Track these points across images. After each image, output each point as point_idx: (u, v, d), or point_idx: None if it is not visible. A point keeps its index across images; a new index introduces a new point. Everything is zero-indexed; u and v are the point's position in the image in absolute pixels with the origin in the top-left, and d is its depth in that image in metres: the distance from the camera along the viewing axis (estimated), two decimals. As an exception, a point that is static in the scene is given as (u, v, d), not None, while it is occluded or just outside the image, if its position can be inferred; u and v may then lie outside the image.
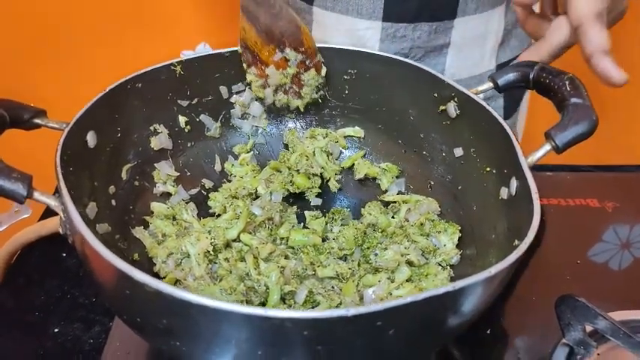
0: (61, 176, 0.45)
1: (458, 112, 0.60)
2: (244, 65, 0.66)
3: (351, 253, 0.60)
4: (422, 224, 0.61)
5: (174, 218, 0.61)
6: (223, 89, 0.67)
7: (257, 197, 0.65)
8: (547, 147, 0.51)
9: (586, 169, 0.81)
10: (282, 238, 0.61)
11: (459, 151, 0.62)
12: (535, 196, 0.47)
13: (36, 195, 0.44)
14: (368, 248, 0.59)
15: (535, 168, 0.50)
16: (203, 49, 1.08)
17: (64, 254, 0.68)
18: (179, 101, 0.65)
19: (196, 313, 0.37)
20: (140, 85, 0.60)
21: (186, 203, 0.63)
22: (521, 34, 0.80)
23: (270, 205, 0.62)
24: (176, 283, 0.55)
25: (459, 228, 0.59)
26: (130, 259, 0.56)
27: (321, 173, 0.67)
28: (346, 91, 0.69)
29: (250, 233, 0.59)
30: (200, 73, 0.65)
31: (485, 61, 0.78)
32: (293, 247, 0.60)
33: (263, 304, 0.54)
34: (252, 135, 0.71)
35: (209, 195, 0.66)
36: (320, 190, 0.67)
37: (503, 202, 0.54)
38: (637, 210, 0.74)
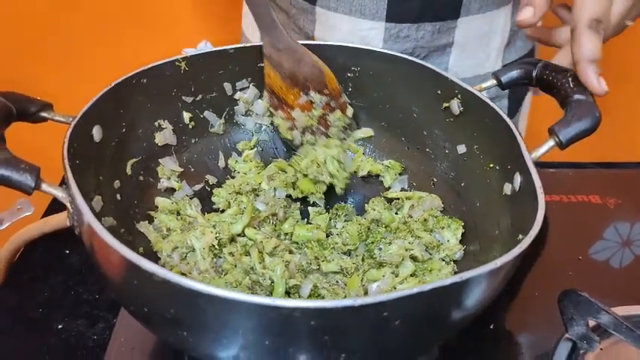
0: (68, 168, 0.46)
1: (461, 109, 0.61)
2: (271, 109, 0.67)
3: (355, 248, 0.60)
4: (425, 220, 0.61)
5: (178, 213, 0.61)
6: (227, 86, 0.68)
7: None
8: (551, 143, 0.52)
9: (588, 165, 0.81)
10: (286, 234, 0.61)
11: (462, 148, 0.62)
12: (540, 190, 0.47)
13: (44, 186, 0.44)
14: (372, 243, 0.59)
15: (537, 165, 0.51)
16: (204, 47, 1.09)
17: (68, 251, 0.68)
18: (183, 97, 0.65)
19: (204, 302, 0.37)
20: (145, 80, 0.60)
21: (190, 199, 0.63)
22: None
23: (274, 201, 0.62)
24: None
25: (462, 224, 0.60)
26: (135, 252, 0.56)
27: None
28: (349, 89, 0.69)
29: (255, 228, 0.60)
30: (204, 69, 0.65)
31: (490, 61, 0.78)
32: (297, 243, 0.60)
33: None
34: (256, 132, 0.71)
35: (213, 191, 0.66)
36: (323, 196, 0.67)
37: (507, 198, 0.55)
38: (638, 207, 0.75)
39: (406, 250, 0.57)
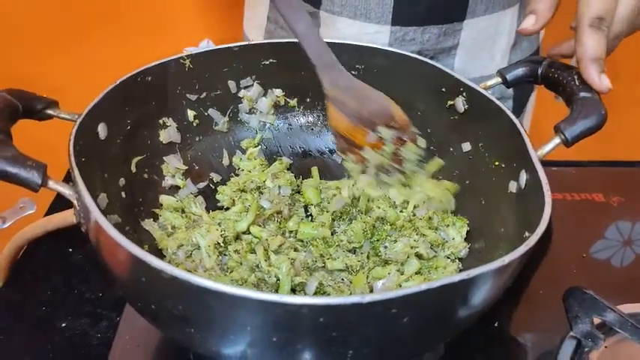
0: (75, 165, 0.46)
1: (466, 106, 0.61)
2: (339, 153, 0.63)
3: (360, 246, 0.60)
4: (430, 218, 0.61)
5: (183, 211, 0.61)
6: (232, 84, 0.68)
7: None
8: (556, 140, 0.52)
9: (591, 164, 0.81)
10: (290, 231, 0.61)
11: (466, 146, 0.62)
12: (546, 188, 0.47)
13: (50, 183, 0.44)
14: (377, 241, 0.59)
15: (541, 163, 0.51)
16: (206, 45, 1.09)
17: (71, 249, 0.68)
18: (188, 95, 0.65)
19: (212, 299, 0.37)
20: (150, 78, 0.60)
21: (195, 196, 0.63)
22: (534, 35, 0.80)
23: (278, 199, 0.62)
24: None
25: (467, 222, 0.60)
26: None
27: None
28: (354, 87, 0.69)
29: (260, 226, 0.60)
30: (209, 67, 0.65)
31: (495, 62, 0.78)
32: (302, 240, 0.60)
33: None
34: (260, 130, 0.71)
35: (217, 188, 0.66)
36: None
37: (512, 196, 0.55)
38: (642, 205, 0.75)
39: (411, 247, 0.57)
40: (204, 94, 0.66)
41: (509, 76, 0.59)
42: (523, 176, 0.53)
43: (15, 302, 0.61)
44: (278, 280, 0.54)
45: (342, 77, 0.60)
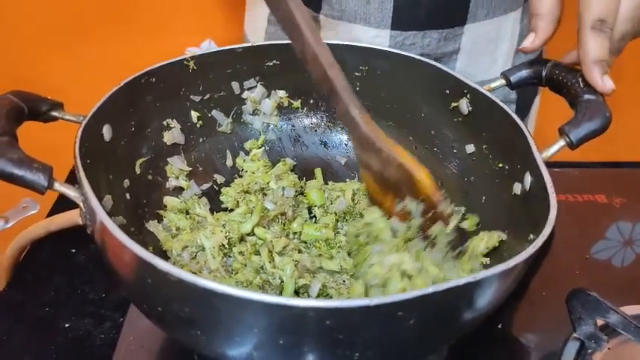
0: (81, 167, 0.46)
1: (470, 108, 0.61)
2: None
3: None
4: None
5: (187, 212, 0.62)
6: (235, 85, 0.68)
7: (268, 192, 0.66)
8: (561, 143, 0.52)
9: (594, 165, 0.82)
10: (294, 233, 0.61)
11: (470, 148, 0.62)
12: (551, 190, 0.47)
13: (56, 186, 0.44)
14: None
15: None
16: (208, 46, 1.09)
17: (74, 250, 0.68)
18: (192, 96, 0.65)
19: (219, 302, 0.38)
20: (154, 79, 0.60)
21: (199, 198, 0.64)
22: None
23: (282, 200, 0.62)
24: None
25: (477, 221, 0.59)
26: (146, 251, 0.57)
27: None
28: (357, 88, 0.69)
29: (264, 227, 0.60)
30: (213, 68, 0.65)
31: (497, 66, 0.78)
32: (306, 242, 0.60)
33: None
34: (264, 131, 0.71)
35: (221, 190, 0.66)
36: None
37: (516, 198, 0.55)
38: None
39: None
40: (207, 96, 0.66)
41: (514, 78, 0.59)
42: (528, 178, 0.53)
43: (18, 303, 0.61)
44: (282, 282, 0.54)
45: (367, 136, 0.54)
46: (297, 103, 0.71)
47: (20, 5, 1.12)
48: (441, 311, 0.41)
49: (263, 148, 0.70)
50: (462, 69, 0.76)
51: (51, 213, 0.71)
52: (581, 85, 0.54)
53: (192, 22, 1.20)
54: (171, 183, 0.64)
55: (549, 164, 0.51)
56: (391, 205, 0.56)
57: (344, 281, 0.57)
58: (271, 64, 0.67)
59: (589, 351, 0.54)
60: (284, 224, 0.61)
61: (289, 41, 0.66)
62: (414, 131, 0.68)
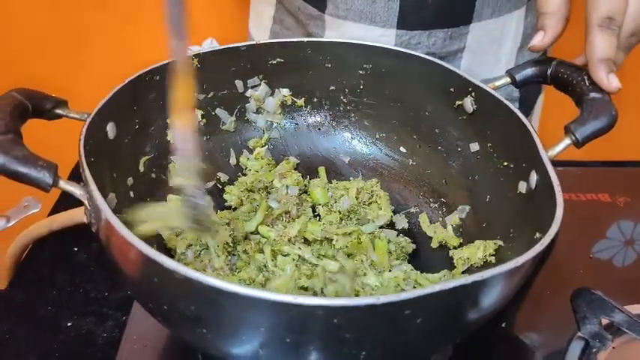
0: (86, 165, 0.45)
1: (474, 106, 0.61)
2: None
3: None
4: None
5: (190, 211, 0.61)
6: (239, 83, 0.67)
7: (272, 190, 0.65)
8: (567, 141, 0.52)
9: (597, 164, 0.81)
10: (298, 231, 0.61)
11: (475, 146, 0.62)
12: (558, 189, 0.47)
13: (61, 183, 0.44)
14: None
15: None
16: (210, 44, 1.08)
17: (76, 248, 0.67)
18: (195, 94, 0.65)
19: (225, 300, 0.37)
20: (157, 77, 0.60)
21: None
22: None
23: (286, 199, 0.62)
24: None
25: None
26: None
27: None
28: (361, 86, 0.69)
29: (268, 226, 0.59)
30: (216, 66, 0.65)
31: (501, 65, 0.77)
32: (308, 241, 0.60)
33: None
34: (267, 129, 0.71)
35: (224, 188, 0.66)
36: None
37: (522, 197, 0.55)
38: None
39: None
40: (211, 94, 0.66)
41: (518, 76, 0.59)
42: (533, 177, 0.52)
43: (20, 302, 0.61)
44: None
45: None
46: (300, 102, 0.71)
47: (24, 3, 1.12)
48: (448, 310, 0.41)
49: (267, 146, 0.70)
50: (467, 67, 0.76)
51: (53, 212, 0.71)
52: (587, 84, 0.53)
53: (195, 21, 1.19)
54: (175, 181, 0.63)
55: (552, 163, 0.51)
56: None
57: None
58: (275, 62, 0.67)
59: (594, 350, 0.54)
60: (288, 222, 0.61)
61: (293, 39, 0.66)
62: (418, 129, 0.68)
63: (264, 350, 0.41)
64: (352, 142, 0.72)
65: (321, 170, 0.69)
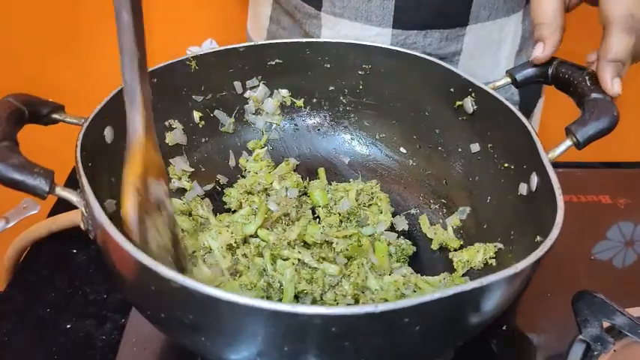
0: (82, 172, 0.45)
1: (475, 107, 0.60)
2: None
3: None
4: None
5: (190, 214, 0.61)
6: (237, 84, 0.67)
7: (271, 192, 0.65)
8: (568, 142, 0.51)
9: (598, 165, 0.81)
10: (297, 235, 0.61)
11: (475, 147, 0.61)
12: (558, 192, 0.46)
13: (58, 190, 0.44)
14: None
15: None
16: (209, 45, 1.08)
17: (75, 250, 0.67)
18: (194, 96, 0.65)
19: (223, 308, 0.37)
20: (155, 80, 0.59)
21: (202, 199, 0.63)
22: None
23: (286, 201, 0.62)
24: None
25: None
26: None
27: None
28: (360, 87, 0.68)
29: (267, 229, 0.59)
30: (215, 68, 0.64)
31: (500, 69, 0.77)
32: (308, 244, 0.60)
33: (280, 301, 0.54)
34: (266, 131, 0.70)
35: (224, 190, 0.65)
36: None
37: (522, 198, 0.54)
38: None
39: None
40: (210, 96, 0.66)
41: (519, 76, 0.58)
42: (534, 179, 0.52)
43: (19, 304, 0.61)
44: (282, 285, 0.54)
45: None
46: (300, 102, 0.70)
47: (21, 5, 1.11)
48: (448, 317, 0.40)
49: (266, 147, 0.70)
50: (465, 71, 0.75)
51: (52, 213, 0.71)
52: (588, 84, 0.53)
53: (194, 21, 1.19)
54: (174, 184, 0.63)
55: (553, 164, 0.50)
56: None
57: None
58: (274, 63, 0.66)
59: (595, 353, 0.54)
60: (287, 225, 0.61)
61: (291, 40, 0.66)
62: (418, 130, 0.67)
63: (262, 359, 0.41)
64: (352, 143, 0.71)
65: (321, 171, 0.69)
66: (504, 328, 0.59)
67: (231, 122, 0.68)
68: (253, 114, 0.69)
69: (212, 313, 0.38)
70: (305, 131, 0.71)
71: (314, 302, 0.53)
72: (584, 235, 0.71)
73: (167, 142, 0.63)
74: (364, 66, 0.67)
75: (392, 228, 0.64)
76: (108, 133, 0.54)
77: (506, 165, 0.58)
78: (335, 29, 0.74)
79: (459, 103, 0.62)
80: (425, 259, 0.62)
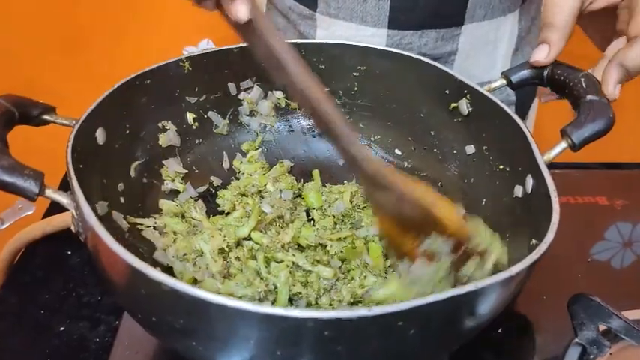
0: (73, 174, 0.45)
1: (470, 109, 0.60)
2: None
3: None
4: None
5: (183, 216, 0.61)
6: (231, 86, 0.67)
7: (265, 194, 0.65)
8: (563, 145, 0.51)
9: (595, 166, 0.81)
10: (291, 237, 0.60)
11: (470, 149, 0.61)
12: (554, 194, 0.46)
13: (48, 193, 0.43)
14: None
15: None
16: (206, 45, 1.08)
17: (69, 252, 0.67)
18: (187, 98, 0.64)
19: (214, 312, 0.37)
20: (148, 81, 0.59)
21: (195, 201, 0.63)
22: (535, 41, 0.79)
23: (279, 203, 0.62)
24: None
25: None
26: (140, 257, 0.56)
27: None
28: (355, 88, 0.68)
29: (261, 231, 0.59)
30: (208, 69, 0.64)
31: (496, 69, 0.76)
32: (302, 247, 0.59)
33: (273, 303, 0.54)
34: (261, 132, 0.70)
35: (217, 193, 0.65)
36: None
37: (517, 201, 0.54)
38: (646, 207, 0.74)
39: None
40: (203, 97, 0.65)
41: (514, 78, 0.58)
42: (529, 181, 0.52)
43: (12, 305, 0.61)
44: (276, 288, 0.53)
45: (375, 174, 0.48)
46: (294, 104, 0.70)
47: (21, 5, 1.11)
48: (442, 320, 0.40)
49: (260, 149, 0.70)
50: (461, 71, 0.75)
51: (47, 214, 0.71)
52: (584, 86, 0.53)
53: (190, 22, 1.18)
54: (167, 186, 0.63)
55: (549, 165, 0.50)
56: (413, 247, 0.48)
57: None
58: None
59: (591, 356, 0.53)
60: (281, 228, 0.60)
61: (286, 41, 0.65)
62: (413, 132, 0.67)
63: (255, 362, 0.40)
64: (347, 145, 0.71)
65: (315, 174, 0.68)
66: (500, 331, 0.59)
67: (225, 124, 0.68)
68: (247, 115, 0.69)
69: (202, 316, 0.37)
70: (299, 133, 0.71)
71: (309, 306, 0.53)
72: (582, 236, 0.71)
73: (160, 143, 0.63)
74: (359, 67, 0.66)
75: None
76: (100, 135, 0.54)
77: (501, 167, 0.57)
78: (330, 30, 0.73)
79: (454, 104, 0.61)
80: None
